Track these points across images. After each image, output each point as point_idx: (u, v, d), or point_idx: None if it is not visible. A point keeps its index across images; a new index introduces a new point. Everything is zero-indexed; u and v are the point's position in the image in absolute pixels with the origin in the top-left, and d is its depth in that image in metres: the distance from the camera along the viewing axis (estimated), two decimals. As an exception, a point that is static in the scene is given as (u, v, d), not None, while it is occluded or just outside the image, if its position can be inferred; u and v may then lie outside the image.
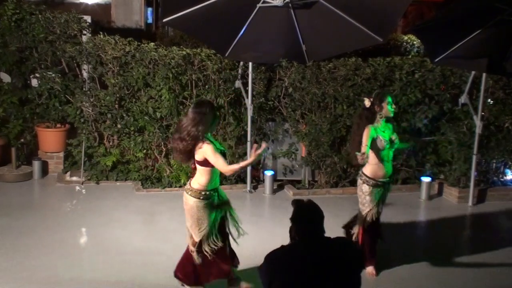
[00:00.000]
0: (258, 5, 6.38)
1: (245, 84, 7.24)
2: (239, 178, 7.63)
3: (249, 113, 7.22)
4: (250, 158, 4.20)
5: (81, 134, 7.41)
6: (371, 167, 5.00)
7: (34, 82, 7.66)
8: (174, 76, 7.17)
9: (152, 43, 7.48)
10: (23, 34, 7.39)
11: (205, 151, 4.16)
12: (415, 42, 12.23)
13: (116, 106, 7.32)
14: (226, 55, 6.88)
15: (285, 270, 3.01)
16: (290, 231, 3.18)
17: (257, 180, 7.73)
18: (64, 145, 7.67)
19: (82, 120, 7.36)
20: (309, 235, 3.09)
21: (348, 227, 5.37)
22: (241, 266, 5.01)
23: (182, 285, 4.61)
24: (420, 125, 7.54)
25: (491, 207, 7.18)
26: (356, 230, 5.16)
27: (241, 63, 7.26)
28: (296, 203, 3.29)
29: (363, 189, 5.05)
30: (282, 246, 3.18)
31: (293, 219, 3.17)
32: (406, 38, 12.48)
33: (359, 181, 5.10)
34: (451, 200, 7.46)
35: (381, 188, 5.05)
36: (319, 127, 7.24)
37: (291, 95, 7.34)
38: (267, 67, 7.45)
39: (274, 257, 3.09)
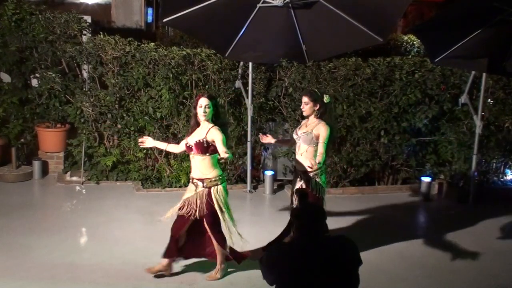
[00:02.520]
0: (258, 5, 6.38)
1: (245, 84, 7.24)
2: (239, 178, 7.64)
3: (249, 113, 7.22)
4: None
5: (81, 134, 7.41)
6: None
7: (34, 82, 7.66)
8: (174, 76, 7.17)
9: (152, 43, 7.48)
10: (23, 34, 7.39)
11: None
12: (415, 42, 12.23)
13: (116, 106, 7.32)
14: (226, 55, 6.88)
15: (285, 266, 3.04)
16: (292, 226, 3.20)
17: (257, 180, 7.73)
18: (64, 145, 7.67)
19: (82, 120, 7.36)
20: (309, 233, 3.11)
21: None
22: (241, 266, 5.01)
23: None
24: (420, 125, 7.55)
25: (491, 207, 7.17)
26: None
27: (241, 63, 7.26)
28: (300, 196, 3.31)
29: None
30: (283, 243, 3.21)
31: (296, 215, 3.18)
32: (406, 38, 12.49)
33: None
34: (451, 200, 7.46)
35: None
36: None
37: (291, 95, 7.33)
38: (267, 67, 7.45)
39: (275, 253, 3.12)
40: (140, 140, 5.07)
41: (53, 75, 7.43)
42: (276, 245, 3.21)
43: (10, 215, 6.21)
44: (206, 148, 4.61)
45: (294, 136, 5.20)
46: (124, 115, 7.30)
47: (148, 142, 5.02)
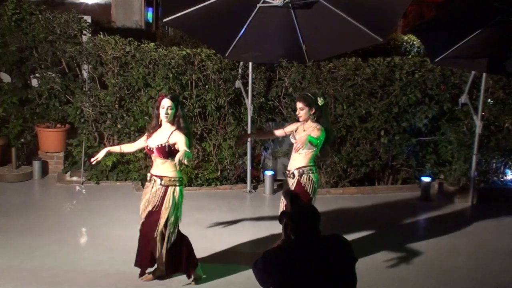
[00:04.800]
0: (258, 5, 6.37)
1: (245, 84, 7.24)
2: (239, 178, 7.64)
3: (249, 113, 7.23)
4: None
5: (81, 134, 7.41)
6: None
7: (34, 82, 7.66)
8: (174, 76, 7.17)
9: (152, 43, 7.48)
10: (23, 34, 7.39)
11: None
12: (415, 42, 12.22)
13: (116, 106, 7.32)
14: (226, 55, 6.88)
15: (281, 270, 3.02)
16: (285, 228, 3.19)
17: (257, 180, 7.73)
18: (64, 145, 7.67)
19: (82, 120, 7.36)
20: (305, 234, 3.10)
21: None
22: (241, 266, 5.00)
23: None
24: (420, 125, 7.55)
25: (491, 207, 7.17)
26: None
27: (241, 63, 7.26)
28: (291, 198, 3.30)
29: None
30: (279, 246, 3.20)
31: (291, 217, 3.18)
32: (406, 38, 12.47)
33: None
34: (451, 200, 7.46)
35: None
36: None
37: (291, 95, 7.34)
38: (267, 67, 7.45)
39: (271, 257, 3.09)
40: (92, 159, 4.87)
41: (53, 75, 7.43)
42: (272, 248, 3.18)
43: (10, 215, 6.21)
44: (168, 152, 4.50)
45: (292, 139, 5.17)
46: (124, 115, 7.30)
47: (101, 154, 4.82)
